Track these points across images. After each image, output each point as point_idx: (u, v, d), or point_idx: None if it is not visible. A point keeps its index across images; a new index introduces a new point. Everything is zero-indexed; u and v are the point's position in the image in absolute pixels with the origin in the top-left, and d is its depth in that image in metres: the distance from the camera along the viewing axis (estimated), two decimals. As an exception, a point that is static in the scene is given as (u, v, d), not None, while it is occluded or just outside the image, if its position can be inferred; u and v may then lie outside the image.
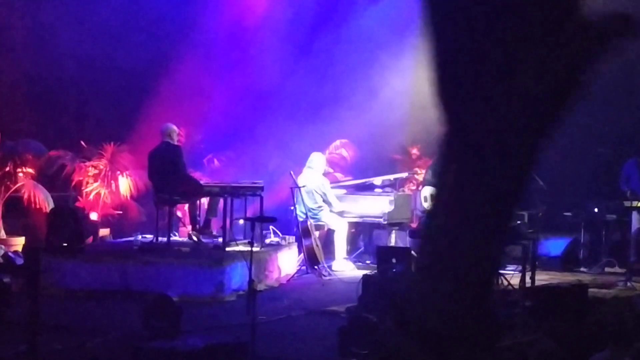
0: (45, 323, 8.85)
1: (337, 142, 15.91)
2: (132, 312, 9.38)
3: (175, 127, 12.88)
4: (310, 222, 13.28)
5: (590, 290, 10.95)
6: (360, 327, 7.93)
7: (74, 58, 15.97)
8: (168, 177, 12.43)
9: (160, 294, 9.06)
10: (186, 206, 13.49)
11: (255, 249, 10.16)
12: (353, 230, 14.71)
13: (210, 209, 12.78)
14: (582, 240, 14.57)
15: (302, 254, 13.18)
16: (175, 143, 12.81)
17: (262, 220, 10.74)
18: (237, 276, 11.21)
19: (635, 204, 13.63)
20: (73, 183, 14.76)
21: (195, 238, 12.85)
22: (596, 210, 14.37)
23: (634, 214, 13.90)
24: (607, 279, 13.06)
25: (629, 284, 12.46)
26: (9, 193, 13.88)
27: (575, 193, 15.25)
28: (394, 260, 10.39)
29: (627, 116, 15.77)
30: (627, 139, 15.23)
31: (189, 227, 13.31)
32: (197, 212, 12.90)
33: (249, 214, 13.48)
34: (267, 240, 13.08)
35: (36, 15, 15.67)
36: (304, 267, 13.05)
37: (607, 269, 14.04)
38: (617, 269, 13.97)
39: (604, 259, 14.20)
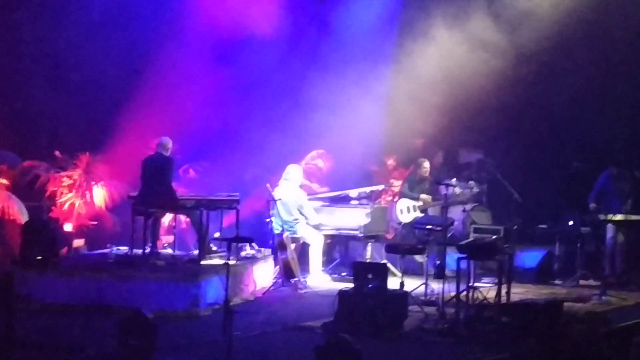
0: (19, 339, 8.83)
1: (314, 153, 15.86)
2: (107, 328, 9.32)
3: (170, 142, 12.90)
4: (287, 234, 13.24)
5: (565, 304, 11.00)
6: (336, 347, 7.90)
7: (48, 68, 15.88)
8: (153, 186, 12.42)
9: (135, 310, 9.00)
10: (168, 220, 13.53)
11: (230, 262, 10.12)
12: (329, 241, 14.68)
13: (197, 229, 12.70)
14: (557, 253, 14.63)
15: (278, 267, 13.13)
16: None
17: (238, 240, 10.71)
18: (212, 290, 11.17)
19: (610, 217, 13.70)
20: (47, 193, 14.64)
21: (171, 250, 12.83)
22: (571, 223, 14.43)
23: (609, 227, 13.98)
24: (581, 292, 13.12)
25: (603, 297, 12.52)
26: (-18, 204, 13.77)
27: (550, 206, 15.31)
28: (370, 276, 10.34)
29: (600, 130, 15.87)
30: (601, 153, 15.34)
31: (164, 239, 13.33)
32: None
33: (225, 225, 13.50)
34: (243, 253, 13.02)
35: (8, 24, 15.55)
36: (279, 280, 13.00)
37: (581, 282, 14.10)
38: (591, 282, 14.04)
39: (579, 272, 14.26)
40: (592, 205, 14.37)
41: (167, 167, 12.63)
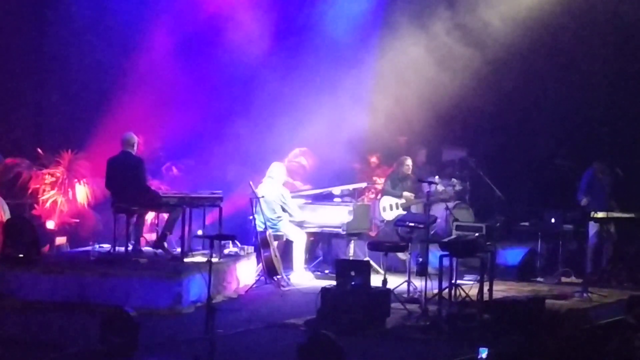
0: (1, 337, 8.81)
1: (297, 151, 15.84)
2: (89, 326, 9.31)
3: (136, 138, 12.82)
4: (269, 232, 13.24)
5: (547, 301, 11.06)
6: (319, 344, 7.92)
7: (31, 64, 15.81)
8: (127, 187, 12.39)
9: (118, 308, 8.99)
10: (150, 218, 13.52)
11: (213, 259, 10.11)
12: (312, 238, 14.66)
13: (167, 225, 12.70)
14: (539, 250, 14.68)
15: (260, 265, 13.13)
16: (135, 153, 12.75)
17: (221, 238, 10.72)
18: (195, 288, 11.16)
19: (593, 214, 13.75)
20: (29, 191, 14.57)
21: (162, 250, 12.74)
22: (553, 220, 14.48)
23: (591, 224, 14.01)
24: (563, 290, 13.17)
25: (585, 295, 12.57)
26: (-35, 202, 13.69)
27: (533, 203, 15.37)
28: (352, 273, 10.36)
29: (582, 128, 15.95)
30: (582, 150, 15.41)
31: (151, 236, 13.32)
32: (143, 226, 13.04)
33: (207, 223, 13.50)
34: (226, 251, 13.01)
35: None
36: (262, 278, 13.01)
37: (563, 279, 14.18)
38: (573, 279, 14.13)
39: (561, 269, 14.34)
40: (585, 200, 14.36)
41: (138, 168, 12.55)
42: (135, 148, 12.77)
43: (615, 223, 14.13)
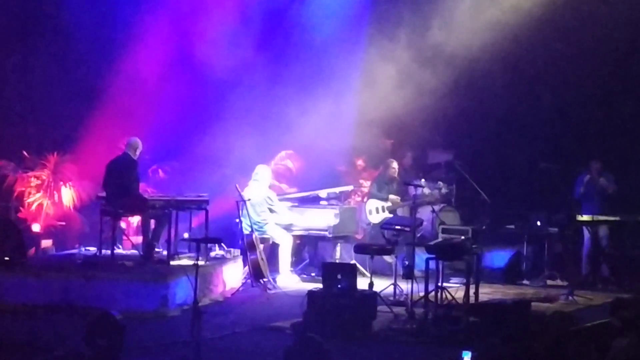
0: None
1: (283, 153, 15.85)
2: (75, 329, 9.27)
3: (140, 143, 12.78)
4: (256, 235, 13.24)
5: (533, 304, 11.08)
6: (306, 347, 7.91)
7: (18, 67, 15.78)
8: (117, 189, 12.39)
9: (104, 311, 8.97)
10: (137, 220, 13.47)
11: (200, 262, 10.09)
12: (298, 241, 14.69)
13: (154, 235, 12.65)
14: (524, 253, 14.71)
15: (247, 268, 13.13)
16: (135, 158, 12.71)
17: (207, 241, 10.72)
18: (181, 291, 11.15)
19: (588, 218, 13.85)
20: (15, 193, 14.57)
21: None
22: (539, 223, 14.52)
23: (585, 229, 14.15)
24: (549, 292, 13.21)
25: (570, 297, 12.61)
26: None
27: (518, 206, 15.39)
28: (339, 276, 10.36)
29: (568, 131, 16.00)
30: (568, 153, 15.46)
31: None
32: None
33: (194, 226, 13.50)
34: (212, 254, 13.02)
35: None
36: (249, 281, 13.00)
37: (548, 282, 14.22)
38: (558, 282, 14.17)
39: (546, 272, 14.38)
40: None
41: (129, 169, 12.54)
42: (135, 152, 12.73)
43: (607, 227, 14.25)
